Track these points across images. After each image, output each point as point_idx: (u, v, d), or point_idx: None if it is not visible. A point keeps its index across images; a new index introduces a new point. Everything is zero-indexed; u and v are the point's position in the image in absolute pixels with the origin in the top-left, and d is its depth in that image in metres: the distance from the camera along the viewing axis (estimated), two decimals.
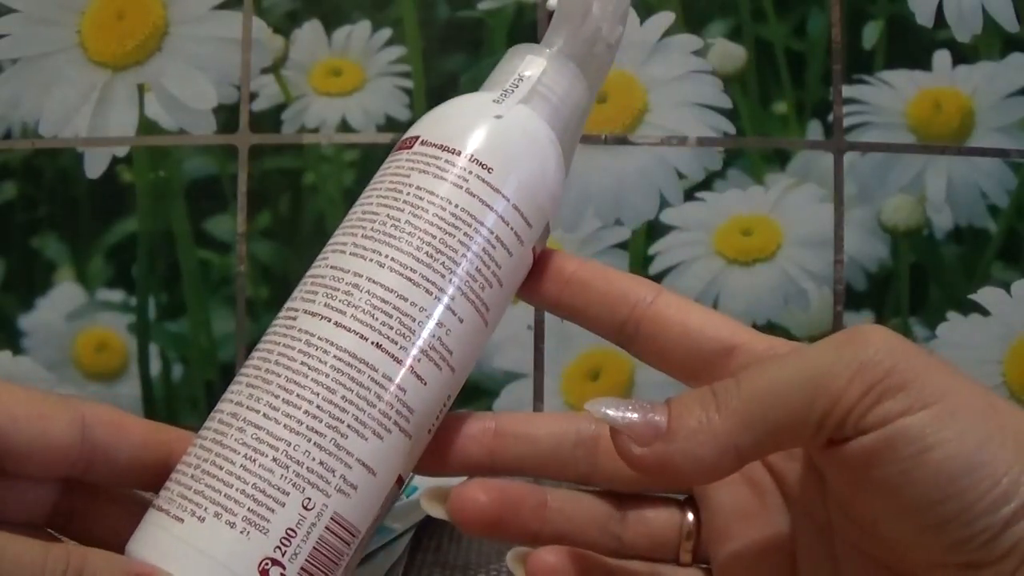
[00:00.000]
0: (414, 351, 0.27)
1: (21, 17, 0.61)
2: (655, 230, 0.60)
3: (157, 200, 0.61)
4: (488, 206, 0.28)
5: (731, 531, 0.29)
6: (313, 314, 0.27)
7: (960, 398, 0.23)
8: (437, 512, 0.29)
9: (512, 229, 0.28)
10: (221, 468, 0.25)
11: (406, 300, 0.27)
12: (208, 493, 0.25)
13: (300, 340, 0.26)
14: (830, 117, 0.60)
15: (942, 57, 0.60)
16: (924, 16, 0.59)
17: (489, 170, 0.28)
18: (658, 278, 0.60)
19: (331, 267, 0.27)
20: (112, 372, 0.62)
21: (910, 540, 0.24)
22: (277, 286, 0.61)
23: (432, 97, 0.60)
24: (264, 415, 0.26)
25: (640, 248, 0.60)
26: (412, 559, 0.44)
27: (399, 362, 0.26)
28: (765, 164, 0.60)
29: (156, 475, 0.28)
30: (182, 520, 0.25)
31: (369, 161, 0.61)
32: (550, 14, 0.31)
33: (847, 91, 0.60)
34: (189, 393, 0.61)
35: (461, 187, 0.28)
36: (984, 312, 0.59)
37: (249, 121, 0.61)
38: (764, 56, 0.60)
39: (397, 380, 0.26)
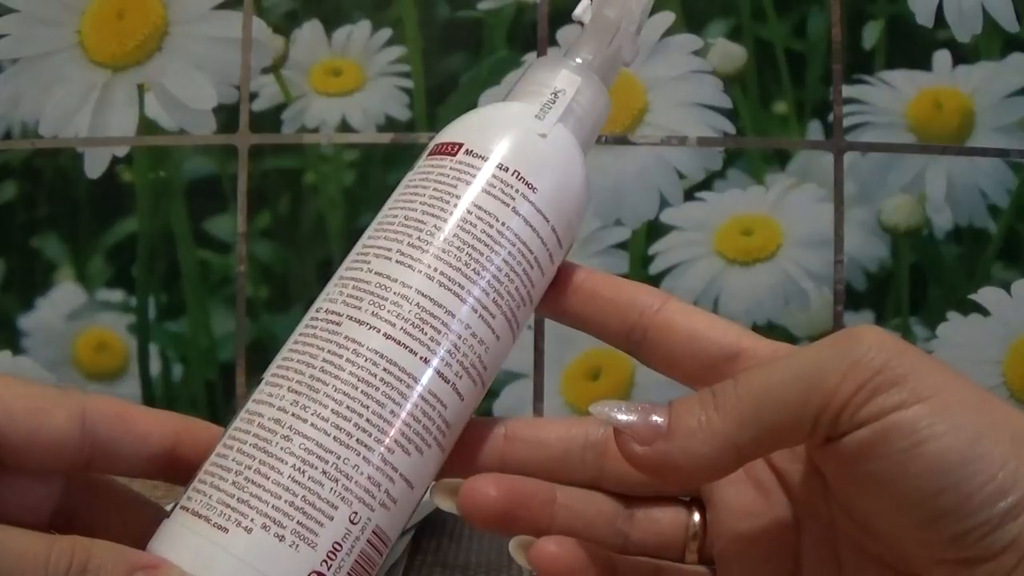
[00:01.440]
0: (457, 368, 0.27)
1: (21, 17, 0.61)
2: (655, 230, 0.60)
3: (157, 200, 0.61)
4: (531, 227, 0.28)
5: (736, 531, 0.29)
6: (360, 322, 0.26)
7: (954, 394, 0.24)
8: (448, 505, 0.29)
9: (548, 250, 0.28)
10: (267, 478, 0.25)
11: (453, 316, 0.27)
12: (254, 503, 0.24)
13: (348, 349, 0.26)
14: (830, 117, 0.60)
15: (942, 57, 0.60)
16: (924, 16, 0.59)
17: (534, 190, 0.28)
18: (658, 278, 0.60)
19: (376, 273, 0.27)
20: (112, 372, 0.62)
21: (908, 535, 0.24)
22: (277, 286, 0.61)
23: (432, 97, 0.60)
24: (313, 425, 0.25)
25: (640, 248, 0.60)
26: (412, 559, 0.44)
27: (444, 378, 0.27)
28: (765, 164, 0.60)
29: (162, 466, 0.28)
30: (226, 530, 0.24)
31: (369, 161, 0.61)
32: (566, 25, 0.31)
33: (847, 91, 0.60)
34: (189, 393, 0.61)
35: (508, 205, 0.28)
36: (984, 312, 0.59)
37: (249, 121, 0.61)
38: (764, 56, 0.60)
39: (441, 396, 0.26)
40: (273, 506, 0.24)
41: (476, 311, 0.27)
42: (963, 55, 0.60)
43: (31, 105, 0.61)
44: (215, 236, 0.61)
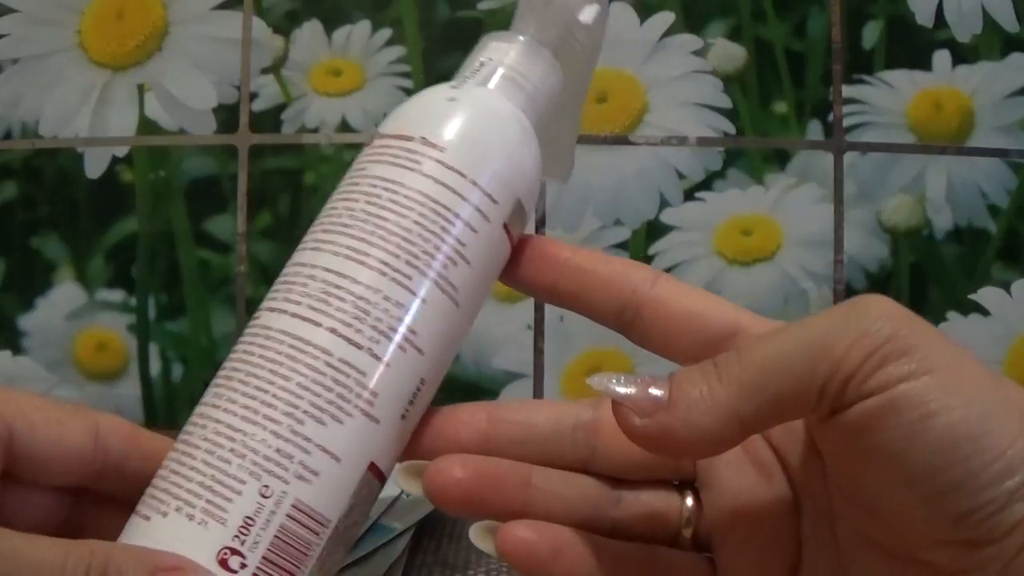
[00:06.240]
0: (370, 332, 0.26)
1: (21, 17, 0.61)
2: (655, 230, 0.60)
3: (157, 200, 0.61)
4: (443, 184, 0.28)
5: (736, 513, 0.28)
6: (272, 310, 0.27)
7: (964, 368, 0.23)
8: (413, 488, 0.28)
9: (473, 205, 0.28)
10: (184, 464, 0.26)
11: (359, 283, 0.27)
12: (172, 490, 0.25)
13: (259, 336, 0.27)
14: (830, 117, 0.60)
15: (942, 57, 0.60)
16: (924, 16, 0.59)
17: (441, 149, 0.28)
18: None
19: (293, 264, 0.28)
20: (112, 372, 0.62)
21: (912, 513, 0.23)
22: None
23: None
24: (224, 409, 0.26)
25: (640, 248, 0.60)
26: (412, 559, 0.44)
27: (356, 346, 0.26)
28: (765, 164, 0.60)
29: None
30: (148, 518, 0.25)
31: None
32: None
33: (847, 91, 0.60)
34: (189, 393, 0.61)
35: (413, 169, 0.28)
36: (984, 312, 0.59)
37: (249, 121, 0.61)
38: (764, 56, 0.60)
39: (355, 363, 0.26)
40: (186, 489, 0.25)
41: (385, 274, 0.27)
42: (963, 55, 0.60)
43: (31, 105, 0.61)
44: (215, 236, 0.61)
